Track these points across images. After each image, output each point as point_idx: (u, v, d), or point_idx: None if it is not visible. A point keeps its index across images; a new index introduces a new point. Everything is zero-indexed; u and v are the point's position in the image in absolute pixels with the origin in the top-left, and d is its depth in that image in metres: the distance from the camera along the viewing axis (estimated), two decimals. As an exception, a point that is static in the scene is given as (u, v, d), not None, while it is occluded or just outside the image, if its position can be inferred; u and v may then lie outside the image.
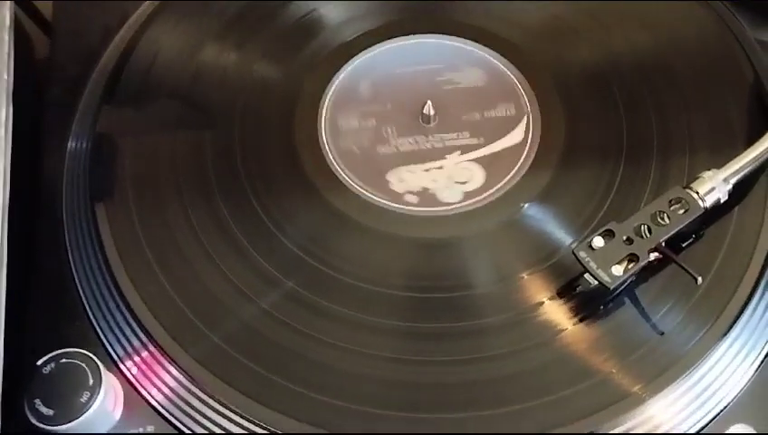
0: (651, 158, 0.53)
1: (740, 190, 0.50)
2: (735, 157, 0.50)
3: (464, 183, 0.53)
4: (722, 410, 0.46)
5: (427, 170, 0.54)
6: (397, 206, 0.52)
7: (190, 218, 0.52)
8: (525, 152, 0.54)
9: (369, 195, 0.53)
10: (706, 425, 0.45)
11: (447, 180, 0.53)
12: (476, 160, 0.54)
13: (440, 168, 0.54)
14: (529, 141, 0.55)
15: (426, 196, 0.53)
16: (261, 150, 0.55)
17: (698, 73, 0.57)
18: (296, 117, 0.56)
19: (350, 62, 0.59)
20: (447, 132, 0.56)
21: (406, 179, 0.53)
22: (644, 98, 0.56)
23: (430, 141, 0.55)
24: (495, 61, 0.58)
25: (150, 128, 0.56)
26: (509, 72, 0.57)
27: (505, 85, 0.57)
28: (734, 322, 0.47)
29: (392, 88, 0.58)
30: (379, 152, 0.55)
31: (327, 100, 0.57)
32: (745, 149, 0.51)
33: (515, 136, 0.54)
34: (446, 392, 0.46)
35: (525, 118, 0.54)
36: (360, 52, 0.59)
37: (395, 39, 0.59)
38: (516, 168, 0.53)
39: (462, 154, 0.54)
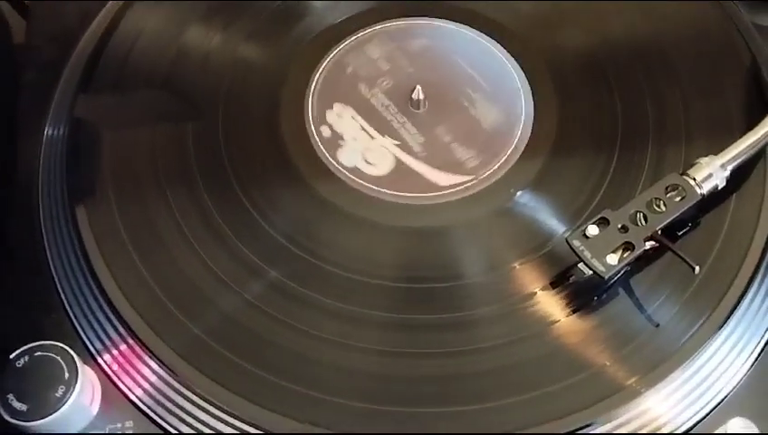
0: (647, 144, 0.53)
1: (738, 177, 0.49)
2: (733, 142, 0.49)
3: (367, 162, 0.52)
4: (719, 404, 0.45)
5: (361, 128, 0.53)
6: (312, 128, 0.53)
7: (171, 206, 0.51)
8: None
9: (310, 127, 0.53)
10: (703, 419, 0.44)
11: (361, 149, 0.52)
12: (398, 160, 0.53)
13: (371, 137, 0.53)
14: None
15: (331, 140, 0.53)
16: (245, 137, 0.54)
17: (695, 58, 0.56)
18: (282, 102, 0.55)
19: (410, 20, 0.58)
20: (414, 125, 0.54)
21: (342, 119, 0.53)
22: (639, 83, 0.55)
23: (395, 117, 0.55)
24: (525, 117, 0.54)
25: (130, 114, 0.55)
26: (516, 140, 0.53)
27: (498, 145, 0.54)
28: (732, 313, 0.46)
29: (431, 63, 0.57)
30: (357, 86, 0.55)
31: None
32: (743, 134, 0.50)
33: (442, 179, 0.52)
34: (436, 386, 0.45)
35: (470, 178, 0.52)
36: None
37: (453, 24, 0.59)
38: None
39: (396, 146, 0.53)
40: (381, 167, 0.52)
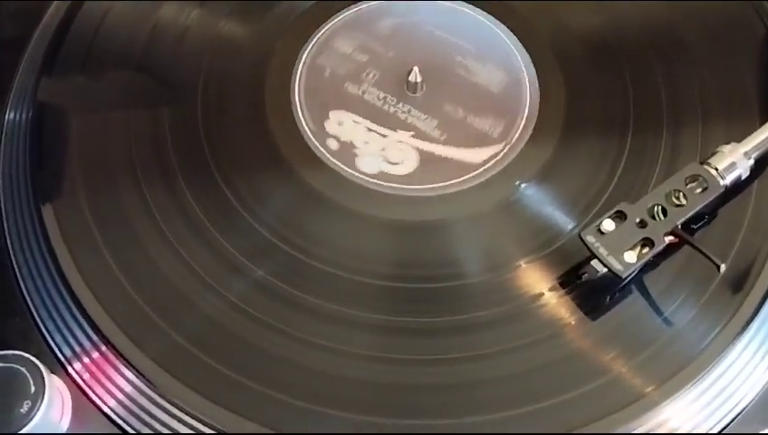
0: (661, 130, 0.51)
1: (759, 165, 0.47)
2: (754, 127, 0.47)
3: (391, 163, 0.50)
4: (740, 413, 0.43)
5: (369, 130, 0.51)
6: (317, 144, 0.50)
7: (146, 199, 0.49)
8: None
9: (298, 112, 0.51)
10: (724, 429, 0.43)
11: (379, 151, 0.50)
12: (420, 151, 0.50)
13: (383, 136, 0.51)
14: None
15: (346, 151, 0.50)
16: (227, 123, 0.52)
17: (709, 36, 0.54)
18: (267, 84, 0.53)
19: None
20: (420, 110, 0.52)
21: (344, 125, 0.51)
22: (651, 64, 0.53)
23: (397, 108, 0.52)
24: (527, 74, 0.53)
25: (99, 97, 0.52)
26: (529, 92, 0.52)
27: (513, 103, 0.52)
28: (754, 315, 0.44)
29: (409, 41, 0.55)
30: (344, 87, 0.53)
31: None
32: (761, 115, 0.48)
33: (476, 155, 0.50)
34: (434, 395, 0.43)
35: (501, 146, 0.50)
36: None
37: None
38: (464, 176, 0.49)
39: (413, 137, 0.51)
40: (406, 165, 0.49)
